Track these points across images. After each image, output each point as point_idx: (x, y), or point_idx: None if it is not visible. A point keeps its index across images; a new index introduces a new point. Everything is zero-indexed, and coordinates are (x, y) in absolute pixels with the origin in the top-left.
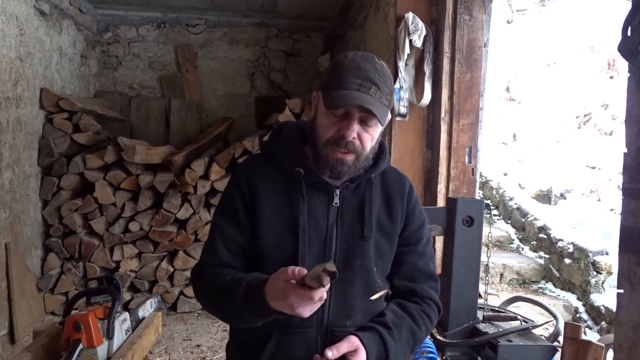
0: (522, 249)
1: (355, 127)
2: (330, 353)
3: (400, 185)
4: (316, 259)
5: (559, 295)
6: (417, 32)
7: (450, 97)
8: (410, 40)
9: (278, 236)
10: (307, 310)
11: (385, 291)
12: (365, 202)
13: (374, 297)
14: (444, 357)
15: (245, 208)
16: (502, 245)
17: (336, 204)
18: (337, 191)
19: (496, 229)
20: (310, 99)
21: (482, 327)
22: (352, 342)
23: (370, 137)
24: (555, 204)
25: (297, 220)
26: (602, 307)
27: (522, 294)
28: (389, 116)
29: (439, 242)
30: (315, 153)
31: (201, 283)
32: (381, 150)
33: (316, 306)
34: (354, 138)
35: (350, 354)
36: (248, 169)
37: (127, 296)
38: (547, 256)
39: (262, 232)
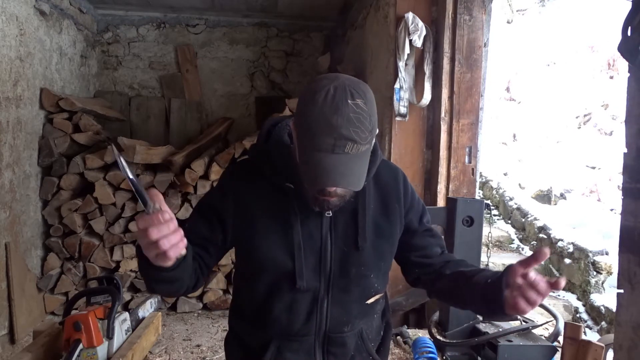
0: (522, 249)
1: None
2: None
3: (394, 183)
4: (312, 271)
5: (559, 295)
6: (417, 32)
7: (450, 97)
8: (410, 40)
9: (273, 250)
10: (154, 235)
11: (381, 294)
12: (358, 210)
13: (370, 301)
14: (444, 357)
15: (223, 216)
16: (502, 245)
17: (329, 214)
18: None
19: (496, 229)
20: None
21: (482, 327)
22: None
23: None
24: (555, 204)
25: (291, 237)
26: (602, 307)
27: None
28: (376, 131)
29: None
30: (300, 183)
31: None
32: (372, 153)
33: (161, 231)
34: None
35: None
36: (236, 180)
37: (127, 296)
38: None
39: (256, 245)
